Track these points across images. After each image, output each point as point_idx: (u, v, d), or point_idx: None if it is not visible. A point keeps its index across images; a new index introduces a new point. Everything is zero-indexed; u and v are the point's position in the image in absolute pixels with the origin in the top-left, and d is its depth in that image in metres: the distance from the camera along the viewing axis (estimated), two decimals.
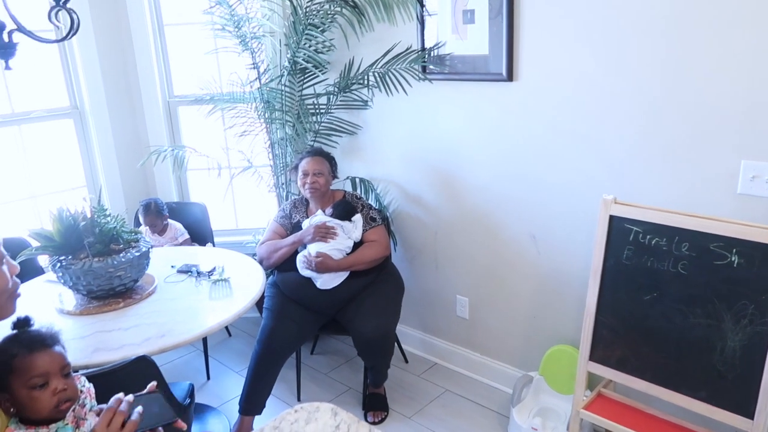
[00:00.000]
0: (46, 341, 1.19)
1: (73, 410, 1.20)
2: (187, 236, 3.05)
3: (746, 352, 1.70)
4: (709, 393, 1.79)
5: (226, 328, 3.39)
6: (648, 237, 1.86)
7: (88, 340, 1.91)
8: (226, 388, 2.93)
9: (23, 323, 1.21)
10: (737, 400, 1.73)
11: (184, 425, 1.21)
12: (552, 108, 2.26)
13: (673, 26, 1.89)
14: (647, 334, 1.90)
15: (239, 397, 2.50)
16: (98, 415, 1.24)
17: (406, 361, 3.05)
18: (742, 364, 1.71)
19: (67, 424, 1.17)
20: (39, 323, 1.25)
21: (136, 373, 1.67)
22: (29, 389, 1.14)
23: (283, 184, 3.12)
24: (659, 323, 1.87)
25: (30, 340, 1.18)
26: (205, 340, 3.05)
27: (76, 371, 1.38)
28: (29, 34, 1.82)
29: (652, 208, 1.86)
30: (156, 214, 2.95)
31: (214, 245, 3.10)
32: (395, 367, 2.91)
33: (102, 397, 1.31)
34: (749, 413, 1.71)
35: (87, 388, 1.26)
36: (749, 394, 1.70)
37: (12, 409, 1.16)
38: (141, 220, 2.97)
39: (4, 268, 1.16)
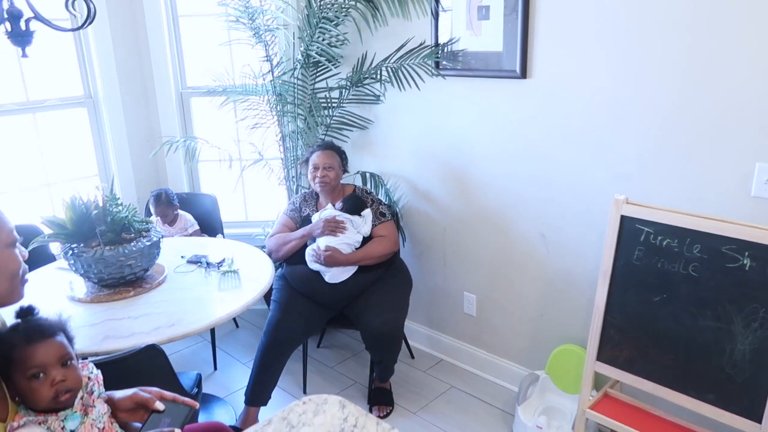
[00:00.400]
0: (45, 331, 1.18)
1: (81, 398, 1.20)
2: (197, 227, 3.07)
3: (756, 356, 1.69)
4: (717, 396, 1.78)
5: (234, 319, 3.41)
6: (659, 238, 1.85)
7: (98, 328, 1.93)
8: (233, 378, 2.95)
9: (26, 312, 1.21)
10: (745, 404, 1.72)
11: (196, 404, 1.22)
12: (565, 106, 2.24)
13: (689, 28, 1.87)
14: (656, 335, 1.89)
15: (245, 388, 2.51)
16: (106, 402, 1.25)
17: (413, 357, 3.06)
18: (751, 368, 1.71)
19: (75, 411, 1.18)
20: (47, 311, 1.25)
21: (145, 362, 1.68)
22: (27, 380, 1.13)
23: (293, 177, 3.12)
24: (668, 325, 1.86)
25: (28, 331, 1.17)
26: (212, 330, 3.07)
27: (85, 358, 1.39)
28: (46, 22, 1.83)
29: (664, 209, 1.85)
30: (167, 204, 2.97)
31: (224, 237, 3.12)
32: (401, 362, 2.92)
33: (111, 384, 1.32)
34: (757, 417, 1.70)
35: (95, 375, 1.27)
36: (758, 398, 1.69)
37: (17, 398, 1.16)
38: (152, 210, 2.99)
39: (17, 251, 1.17)
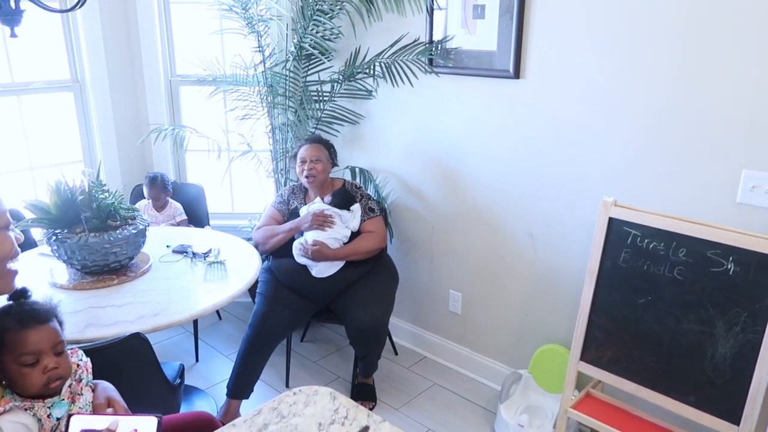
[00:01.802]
0: (40, 317, 1.16)
1: (69, 386, 1.18)
2: (184, 217, 3.04)
3: (736, 359, 1.72)
4: (697, 398, 1.81)
5: (217, 311, 3.38)
6: (646, 241, 1.87)
7: (80, 315, 1.90)
8: (215, 370, 2.93)
9: (20, 294, 1.18)
10: (725, 406, 1.75)
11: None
12: (557, 108, 2.26)
13: (681, 36, 1.89)
14: (639, 336, 1.92)
15: (228, 381, 2.49)
16: (93, 390, 1.24)
17: (396, 353, 3.06)
18: (731, 371, 1.73)
19: (63, 399, 1.15)
20: (38, 296, 1.23)
21: (129, 350, 1.66)
22: (19, 365, 1.11)
23: (282, 169, 3.10)
24: (652, 327, 1.88)
25: (23, 315, 1.14)
26: (195, 322, 3.04)
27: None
28: (36, 1, 1.80)
29: (652, 213, 1.87)
30: (161, 187, 2.97)
31: (211, 227, 3.09)
32: (385, 358, 2.92)
33: (94, 372, 1.30)
34: (736, 419, 1.73)
35: (84, 363, 1.25)
36: (737, 401, 1.72)
37: (3, 382, 1.14)
38: (145, 192, 2.97)
39: (11, 234, 1.14)
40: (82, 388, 1.20)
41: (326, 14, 2.72)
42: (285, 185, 3.06)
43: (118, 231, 2.11)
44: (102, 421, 1.03)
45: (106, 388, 1.26)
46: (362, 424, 0.98)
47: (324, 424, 1.01)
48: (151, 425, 1.03)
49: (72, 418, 1.03)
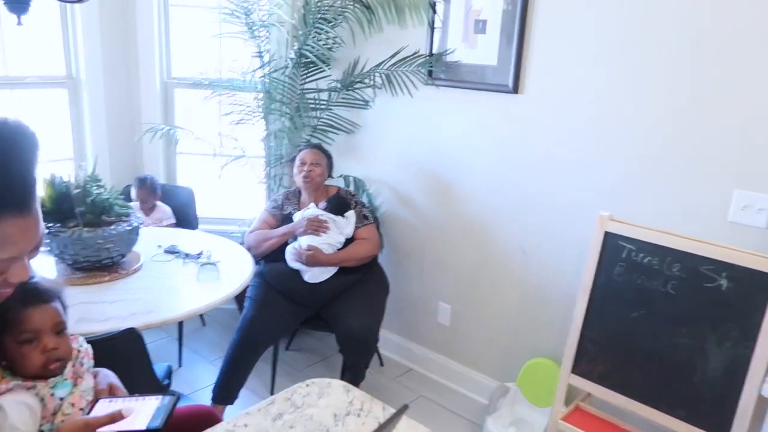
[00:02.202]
0: (42, 296, 1.14)
1: (72, 365, 1.17)
2: (173, 221, 3.01)
3: (727, 374, 1.75)
4: (687, 412, 1.83)
5: (201, 316, 3.33)
6: (640, 255, 1.91)
7: (71, 310, 1.83)
8: (198, 376, 2.87)
9: None
10: (714, 421, 1.78)
11: None
12: (555, 124, 2.30)
13: (677, 58, 1.96)
14: (631, 350, 1.94)
15: (213, 385, 2.45)
16: (95, 377, 1.21)
17: (382, 365, 3.04)
18: (722, 386, 1.76)
19: (66, 379, 1.13)
20: (44, 276, 1.21)
21: (123, 345, 1.63)
22: (19, 344, 1.10)
23: (275, 176, 3.10)
24: (644, 340, 1.91)
25: (24, 294, 1.11)
26: (180, 326, 2.99)
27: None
28: None
29: (647, 228, 1.91)
30: (150, 189, 2.94)
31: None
32: (370, 369, 2.88)
33: None
34: None
35: (85, 349, 1.23)
36: (726, 415, 1.75)
37: (3, 362, 1.11)
38: (133, 193, 2.94)
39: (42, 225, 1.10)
40: (84, 373, 1.18)
41: (329, 23, 2.75)
42: (277, 192, 3.05)
43: (112, 227, 2.08)
44: (118, 402, 1.05)
45: (108, 374, 1.24)
46: (378, 417, 0.98)
47: (340, 415, 1.00)
48: (163, 402, 1.04)
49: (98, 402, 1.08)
